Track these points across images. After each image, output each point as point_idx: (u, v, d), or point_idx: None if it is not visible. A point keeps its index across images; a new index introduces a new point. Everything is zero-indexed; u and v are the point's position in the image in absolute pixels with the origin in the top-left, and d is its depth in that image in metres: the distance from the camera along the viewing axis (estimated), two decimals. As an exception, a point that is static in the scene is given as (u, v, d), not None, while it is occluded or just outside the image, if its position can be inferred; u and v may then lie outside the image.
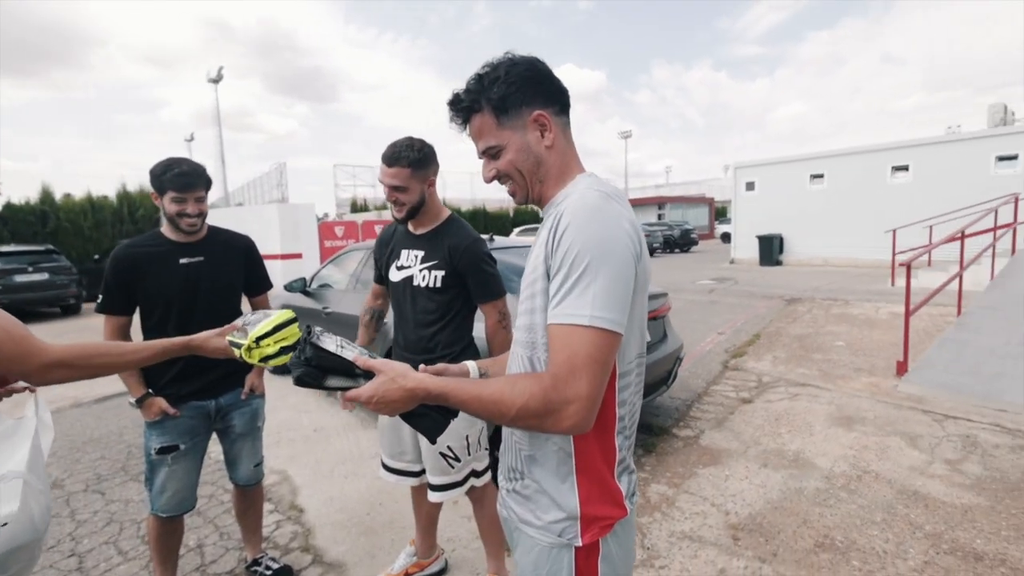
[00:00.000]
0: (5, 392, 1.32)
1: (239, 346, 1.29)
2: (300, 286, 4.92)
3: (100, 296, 1.84)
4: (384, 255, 2.03)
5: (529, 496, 0.96)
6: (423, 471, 2.03)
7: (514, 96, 0.92)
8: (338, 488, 3.00)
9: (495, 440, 1.97)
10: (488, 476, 2.04)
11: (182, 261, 1.87)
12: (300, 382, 0.92)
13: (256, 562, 2.23)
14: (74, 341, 1.24)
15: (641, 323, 0.93)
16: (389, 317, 2.14)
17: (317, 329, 0.98)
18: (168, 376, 1.88)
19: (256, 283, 2.14)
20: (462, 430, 1.89)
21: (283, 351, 1.28)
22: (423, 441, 1.96)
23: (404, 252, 1.93)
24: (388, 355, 2.27)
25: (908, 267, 4.30)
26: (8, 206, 13.17)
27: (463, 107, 0.96)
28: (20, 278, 9.39)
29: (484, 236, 2.44)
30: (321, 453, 3.50)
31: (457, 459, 1.91)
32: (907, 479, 2.79)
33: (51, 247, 10.70)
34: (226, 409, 2.01)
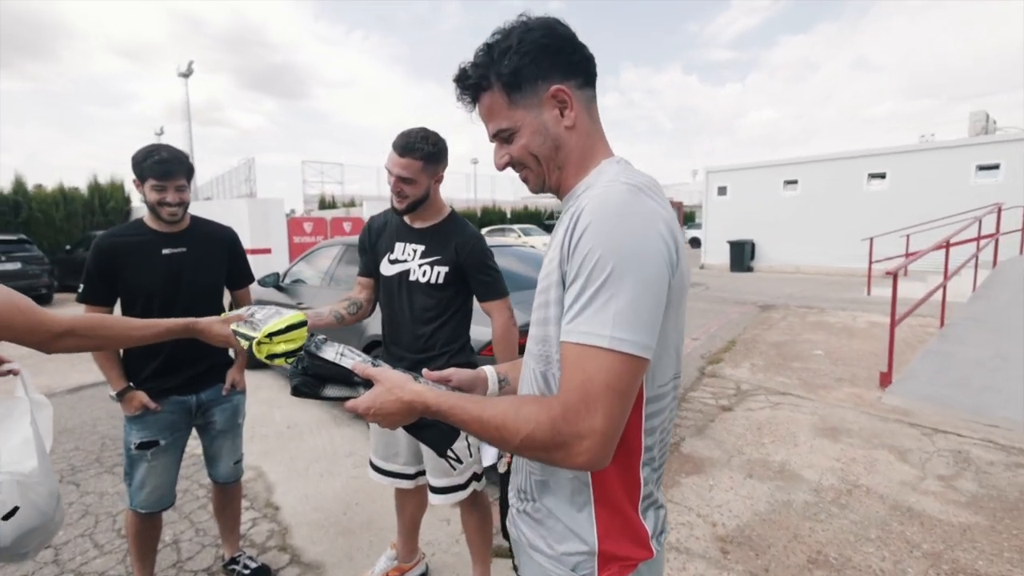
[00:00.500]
0: None
1: (248, 338, 1.26)
2: (273, 281, 4.86)
3: (81, 285, 1.79)
4: (374, 246, 1.90)
5: (541, 520, 0.85)
6: (417, 474, 1.94)
7: (528, 69, 0.79)
8: (313, 486, 2.94)
9: None
10: (485, 480, 1.96)
11: (164, 252, 1.83)
12: (297, 392, 0.90)
13: (234, 560, 2.19)
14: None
15: (677, 341, 0.80)
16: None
17: (319, 337, 0.95)
18: (149, 370, 1.84)
19: (238, 276, 2.09)
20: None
21: (288, 354, 1.25)
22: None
23: (399, 245, 1.82)
24: (367, 350, 2.12)
25: (895, 276, 4.24)
26: None
27: (470, 84, 0.83)
28: (-7, 267, 9.10)
29: None
30: (295, 450, 3.43)
31: (459, 460, 1.76)
32: (900, 495, 2.68)
33: (24, 236, 10.63)
34: (207, 405, 1.97)
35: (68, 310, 1.54)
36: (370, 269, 1.93)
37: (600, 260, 0.67)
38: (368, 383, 0.87)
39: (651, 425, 0.79)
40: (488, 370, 1.05)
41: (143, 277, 1.79)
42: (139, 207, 17.08)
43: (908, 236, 9.89)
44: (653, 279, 0.68)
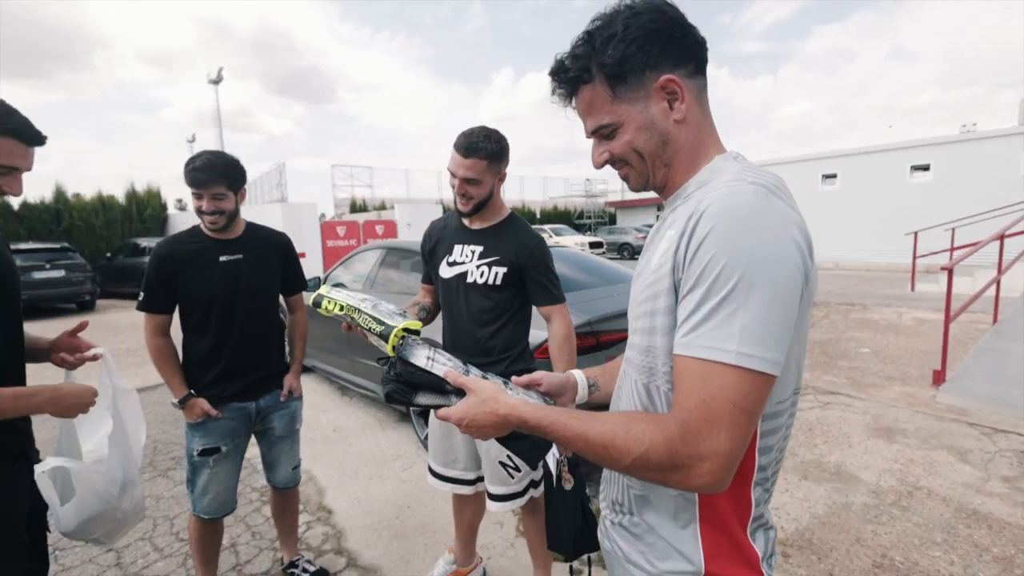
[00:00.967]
0: (78, 361, 1.41)
1: (388, 327, 1.23)
2: (315, 285, 4.91)
3: (141, 294, 1.82)
4: (434, 250, 1.92)
5: (640, 536, 0.82)
6: (476, 480, 1.96)
7: (635, 58, 0.72)
8: (364, 489, 2.99)
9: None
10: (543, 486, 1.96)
11: (222, 259, 1.84)
12: (390, 399, 0.88)
13: (293, 564, 2.22)
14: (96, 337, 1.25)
15: (800, 353, 0.73)
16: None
17: (411, 337, 0.93)
18: (209, 377, 1.86)
19: (292, 282, 2.10)
20: None
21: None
22: (481, 448, 1.87)
23: (458, 247, 1.83)
24: None
25: (950, 272, 4.13)
26: (25, 205, 13.59)
27: (570, 77, 0.77)
28: (38, 275, 9.52)
29: None
30: (343, 454, 3.50)
31: (517, 469, 1.82)
32: (963, 497, 2.64)
33: (67, 245, 10.93)
34: (266, 411, 1.99)
35: (111, 316, 1.61)
36: (431, 276, 1.94)
37: (725, 269, 0.62)
38: (460, 391, 0.84)
39: (766, 444, 0.74)
40: (578, 375, 1.02)
41: (203, 285, 1.80)
42: (175, 214, 17.48)
43: (954, 230, 9.55)
44: (785, 289, 0.63)
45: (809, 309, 0.72)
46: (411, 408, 0.95)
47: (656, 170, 0.78)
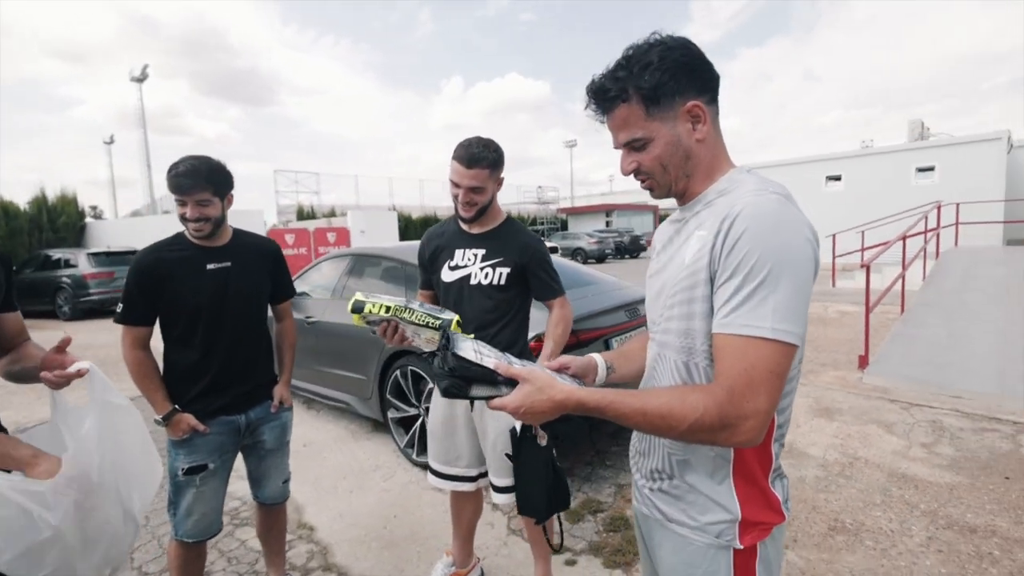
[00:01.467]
0: (63, 379, 1.26)
1: (446, 320, 1.31)
2: None
3: (120, 306, 1.72)
4: (435, 256, 1.98)
5: (680, 496, 0.94)
6: (479, 476, 2.02)
7: (668, 85, 0.85)
8: (345, 503, 2.92)
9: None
10: None
11: (209, 267, 1.77)
12: (447, 393, 0.90)
13: None
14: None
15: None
16: None
17: (453, 333, 0.96)
18: (195, 391, 1.77)
19: (281, 289, 2.05)
20: None
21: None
22: (485, 442, 1.95)
23: (459, 252, 1.91)
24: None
25: (868, 268, 4.68)
26: None
27: (610, 96, 0.89)
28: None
29: None
30: (318, 469, 3.38)
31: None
32: (893, 463, 3.03)
33: None
34: (256, 423, 1.91)
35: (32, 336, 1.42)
36: (430, 281, 2.00)
37: (759, 261, 0.76)
38: (510, 381, 0.89)
39: (783, 404, 0.87)
40: (597, 358, 1.11)
41: (188, 293, 1.73)
42: (92, 223, 16.20)
43: (863, 232, 10.72)
44: (804, 278, 0.78)
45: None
46: (471, 399, 0.97)
47: (678, 180, 0.92)
